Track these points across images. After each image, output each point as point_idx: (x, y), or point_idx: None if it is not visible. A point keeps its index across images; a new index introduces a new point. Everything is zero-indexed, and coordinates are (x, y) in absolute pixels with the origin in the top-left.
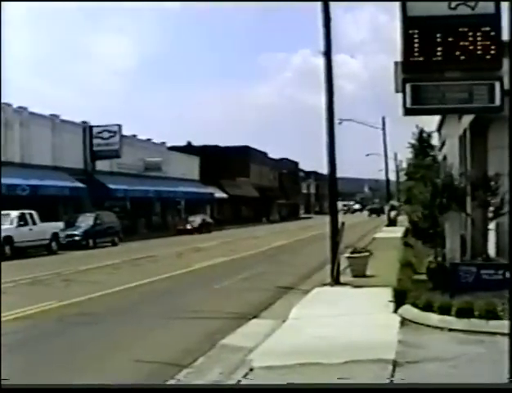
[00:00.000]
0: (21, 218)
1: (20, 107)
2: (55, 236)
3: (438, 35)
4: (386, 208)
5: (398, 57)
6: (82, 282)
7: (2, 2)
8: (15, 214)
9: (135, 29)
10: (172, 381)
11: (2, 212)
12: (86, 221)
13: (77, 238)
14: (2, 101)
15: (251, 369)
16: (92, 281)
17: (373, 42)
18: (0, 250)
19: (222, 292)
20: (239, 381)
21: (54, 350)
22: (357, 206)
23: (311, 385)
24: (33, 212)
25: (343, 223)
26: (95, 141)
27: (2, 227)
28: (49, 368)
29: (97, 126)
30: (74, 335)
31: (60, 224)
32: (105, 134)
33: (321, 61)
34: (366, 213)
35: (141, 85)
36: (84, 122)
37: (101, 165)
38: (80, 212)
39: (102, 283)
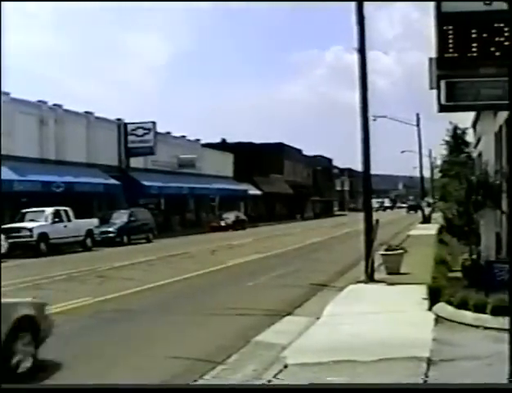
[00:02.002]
0: (56, 214)
1: (55, 105)
2: (89, 232)
3: (473, 31)
4: (423, 204)
5: (432, 53)
6: (116, 278)
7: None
8: (50, 210)
9: (168, 26)
10: (206, 378)
11: (38, 209)
12: (120, 218)
13: (111, 235)
14: (38, 98)
15: (285, 366)
16: (127, 277)
17: (406, 38)
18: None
19: (256, 289)
20: (269, 381)
21: (88, 346)
22: (387, 204)
23: (315, 385)
24: (67, 209)
25: (377, 221)
26: (129, 138)
27: (38, 223)
28: (83, 365)
29: (132, 123)
30: (109, 331)
31: (95, 221)
32: (140, 131)
33: (354, 58)
34: (396, 210)
35: (176, 82)
36: (119, 119)
37: (136, 162)
38: (114, 209)
39: (137, 280)
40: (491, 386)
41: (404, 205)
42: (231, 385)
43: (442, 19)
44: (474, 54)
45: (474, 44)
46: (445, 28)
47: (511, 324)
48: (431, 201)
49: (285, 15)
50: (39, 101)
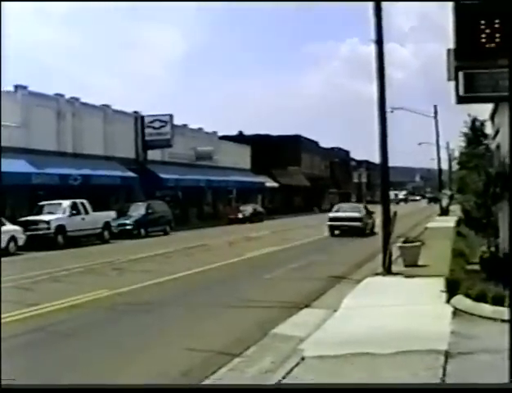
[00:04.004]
0: (74, 207)
1: (73, 98)
2: (107, 225)
3: (492, 21)
4: (444, 196)
5: (450, 44)
6: (133, 270)
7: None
8: (67, 203)
9: (185, 21)
10: (223, 370)
11: (55, 201)
12: (138, 210)
13: (129, 227)
14: (55, 92)
15: (303, 358)
16: (144, 270)
17: (423, 29)
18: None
19: (274, 282)
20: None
21: (106, 339)
22: (401, 196)
23: (321, 385)
24: (85, 201)
25: (395, 213)
26: (146, 130)
27: (55, 216)
28: (101, 357)
29: (149, 116)
30: (126, 323)
31: (112, 213)
32: (157, 124)
33: (370, 50)
34: (411, 203)
35: (193, 75)
36: (136, 112)
37: (153, 155)
38: (132, 201)
39: (154, 272)
40: (491, 386)
41: (418, 198)
42: (238, 385)
43: (460, 9)
44: (493, 45)
45: (493, 35)
46: (463, 18)
47: (511, 325)
48: (449, 193)
49: (301, 9)
50: (57, 95)
